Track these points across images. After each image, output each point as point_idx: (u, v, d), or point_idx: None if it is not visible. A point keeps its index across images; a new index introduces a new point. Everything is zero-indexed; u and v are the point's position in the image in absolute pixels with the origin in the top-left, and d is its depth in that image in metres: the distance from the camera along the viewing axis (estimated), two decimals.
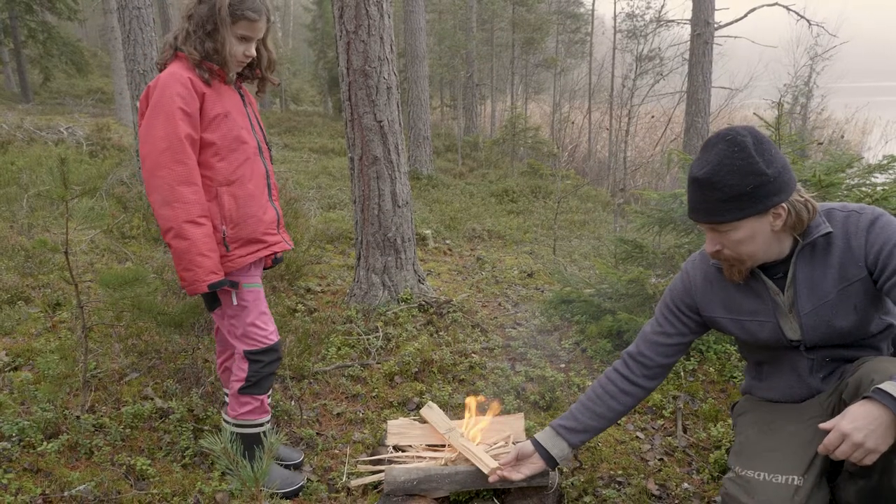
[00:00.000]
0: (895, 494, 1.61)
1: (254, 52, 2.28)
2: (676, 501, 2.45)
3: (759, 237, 1.74)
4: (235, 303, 2.29)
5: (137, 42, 7.07)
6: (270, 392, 2.52)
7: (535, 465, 2.17)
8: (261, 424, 2.45)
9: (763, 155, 1.68)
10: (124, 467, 2.53)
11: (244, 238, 2.28)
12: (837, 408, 1.78)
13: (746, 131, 1.72)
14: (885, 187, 3.45)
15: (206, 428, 2.83)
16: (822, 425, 1.53)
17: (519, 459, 2.21)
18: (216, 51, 2.18)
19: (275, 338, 2.40)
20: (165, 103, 2.08)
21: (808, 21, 12.07)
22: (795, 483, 1.72)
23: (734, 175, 1.67)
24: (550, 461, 2.14)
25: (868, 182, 3.65)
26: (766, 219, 1.72)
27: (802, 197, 1.75)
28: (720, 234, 1.77)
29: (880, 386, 1.48)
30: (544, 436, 2.16)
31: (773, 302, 1.87)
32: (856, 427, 1.45)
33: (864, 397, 1.49)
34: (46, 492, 2.31)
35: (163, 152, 2.07)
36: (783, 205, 1.71)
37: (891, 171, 4.14)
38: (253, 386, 2.36)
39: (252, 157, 2.32)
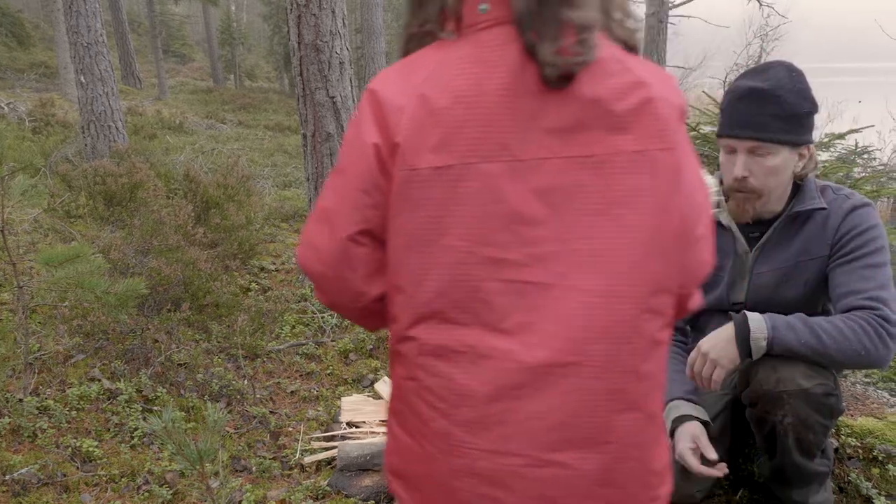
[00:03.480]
0: (796, 468, 1.76)
1: None
2: None
3: (785, 173, 1.73)
4: None
5: (80, 13, 6.80)
6: None
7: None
8: None
9: (811, 88, 1.69)
10: (70, 449, 2.48)
11: None
12: (739, 383, 1.86)
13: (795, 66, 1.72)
14: (825, 164, 3.56)
15: (155, 408, 2.79)
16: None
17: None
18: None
19: None
20: None
21: (758, 2, 12.30)
22: None
23: (794, 94, 1.66)
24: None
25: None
26: (794, 156, 1.72)
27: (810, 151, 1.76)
28: (755, 157, 1.71)
29: (746, 313, 1.68)
30: (688, 408, 1.82)
31: (738, 261, 1.87)
32: (709, 344, 1.70)
33: (734, 317, 1.70)
34: None
35: None
36: (810, 146, 1.71)
37: (832, 149, 4.28)
38: None
39: None
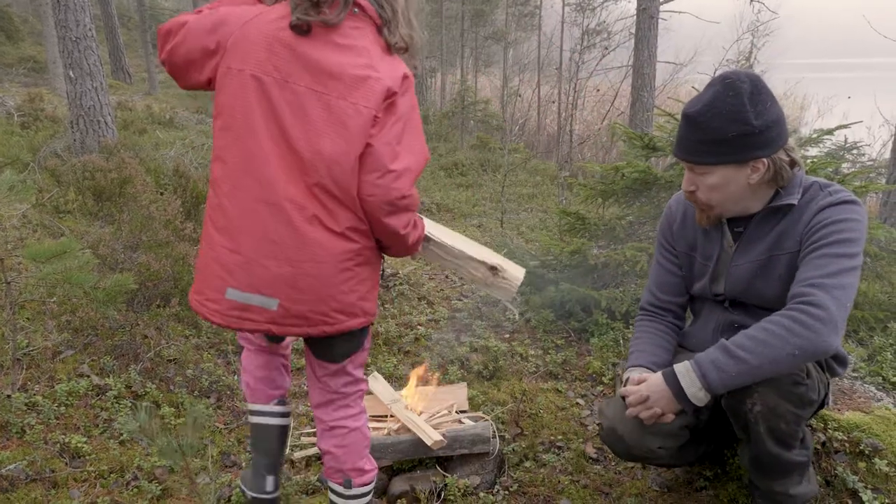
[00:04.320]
0: (772, 458, 1.80)
1: None
2: (612, 463, 2.53)
3: (732, 186, 1.76)
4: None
5: (69, 7, 6.73)
6: None
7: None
8: None
9: (756, 105, 1.67)
10: (58, 445, 2.47)
11: None
12: None
13: (748, 78, 1.70)
14: (815, 160, 3.58)
15: (145, 404, 2.77)
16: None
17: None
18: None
19: None
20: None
21: None
22: None
23: (719, 119, 1.68)
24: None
25: (800, 155, 3.79)
26: (743, 170, 1.73)
27: (789, 157, 1.75)
28: (696, 175, 1.79)
29: (674, 365, 1.74)
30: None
31: (723, 254, 1.92)
32: (650, 391, 1.77)
33: (663, 371, 1.78)
34: None
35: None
36: (764, 160, 1.71)
37: (822, 145, 4.30)
38: None
39: None
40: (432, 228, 2.03)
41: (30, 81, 14.23)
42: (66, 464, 2.40)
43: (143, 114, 11.50)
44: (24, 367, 2.91)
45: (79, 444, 2.46)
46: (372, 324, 1.80)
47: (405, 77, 1.63)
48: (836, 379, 2.70)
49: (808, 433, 1.86)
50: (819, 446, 2.22)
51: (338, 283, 1.62)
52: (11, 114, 9.35)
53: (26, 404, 2.65)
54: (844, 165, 4.63)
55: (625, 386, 1.89)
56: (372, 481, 1.96)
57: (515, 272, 2.04)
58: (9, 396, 2.66)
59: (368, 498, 1.97)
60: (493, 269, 1.99)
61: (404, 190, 1.62)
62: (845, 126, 3.79)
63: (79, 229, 4.97)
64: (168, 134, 10.09)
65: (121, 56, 17.12)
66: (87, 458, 2.44)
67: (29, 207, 5.01)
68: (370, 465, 1.96)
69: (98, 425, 2.65)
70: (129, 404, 2.76)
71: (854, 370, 2.79)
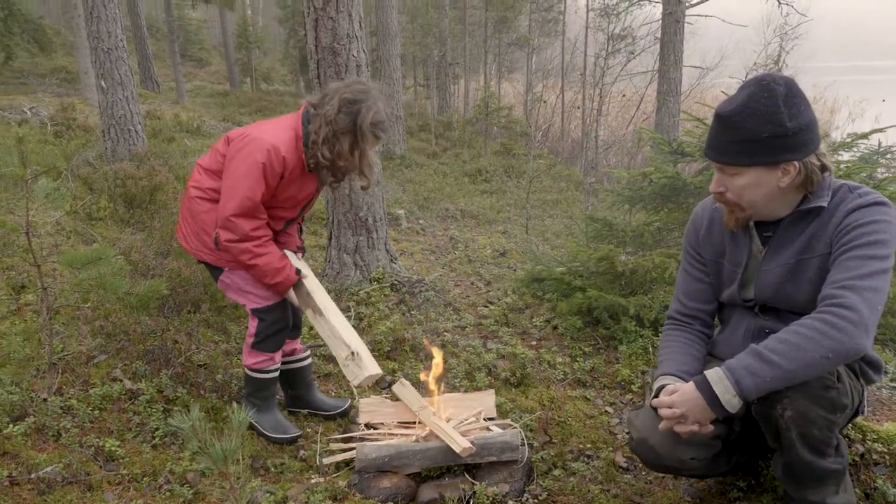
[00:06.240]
0: (804, 464, 1.77)
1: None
2: (643, 473, 2.50)
3: (762, 189, 1.75)
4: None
5: (101, 19, 6.88)
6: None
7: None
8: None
9: (790, 108, 1.66)
10: (93, 448, 2.50)
11: None
12: None
13: (783, 80, 1.70)
14: (848, 164, 3.52)
15: (176, 408, 2.81)
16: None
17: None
18: (339, 156, 2.49)
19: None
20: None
21: (777, 0, 12.15)
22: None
23: (753, 119, 1.68)
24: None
25: (833, 160, 3.72)
26: (774, 172, 1.72)
27: (819, 161, 1.74)
28: (726, 176, 1.78)
29: (705, 372, 1.70)
30: (671, 380, 1.92)
31: (752, 259, 1.91)
32: (682, 401, 1.73)
33: (695, 379, 1.74)
34: (13, 474, 2.28)
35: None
36: (795, 163, 1.70)
37: (855, 149, 4.22)
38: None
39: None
40: (324, 301, 2.62)
41: (62, 91, 14.54)
42: (101, 467, 2.44)
43: (172, 122, 11.69)
44: (60, 371, 2.97)
45: (112, 448, 2.50)
46: (210, 265, 2.64)
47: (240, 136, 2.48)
48: (874, 387, 2.65)
49: (842, 441, 1.83)
50: (857, 458, 2.18)
51: (184, 214, 2.64)
52: (45, 123, 9.56)
53: (62, 408, 2.69)
54: (879, 170, 4.54)
55: (655, 396, 1.86)
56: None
57: (369, 365, 2.51)
58: (45, 400, 2.71)
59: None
60: (352, 354, 2.50)
61: (225, 214, 2.42)
62: (880, 130, 3.72)
63: (111, 236, 5.06)
64: (196, 142, 10.24)
65: (149, 66, 17.43)
66: (121, 461, 2.48)
67: (63, 215, 5.11)
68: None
69: (131, 429, 2.68)
70: (162, 409, 2.79)
71: (892, 380, 2.73)
